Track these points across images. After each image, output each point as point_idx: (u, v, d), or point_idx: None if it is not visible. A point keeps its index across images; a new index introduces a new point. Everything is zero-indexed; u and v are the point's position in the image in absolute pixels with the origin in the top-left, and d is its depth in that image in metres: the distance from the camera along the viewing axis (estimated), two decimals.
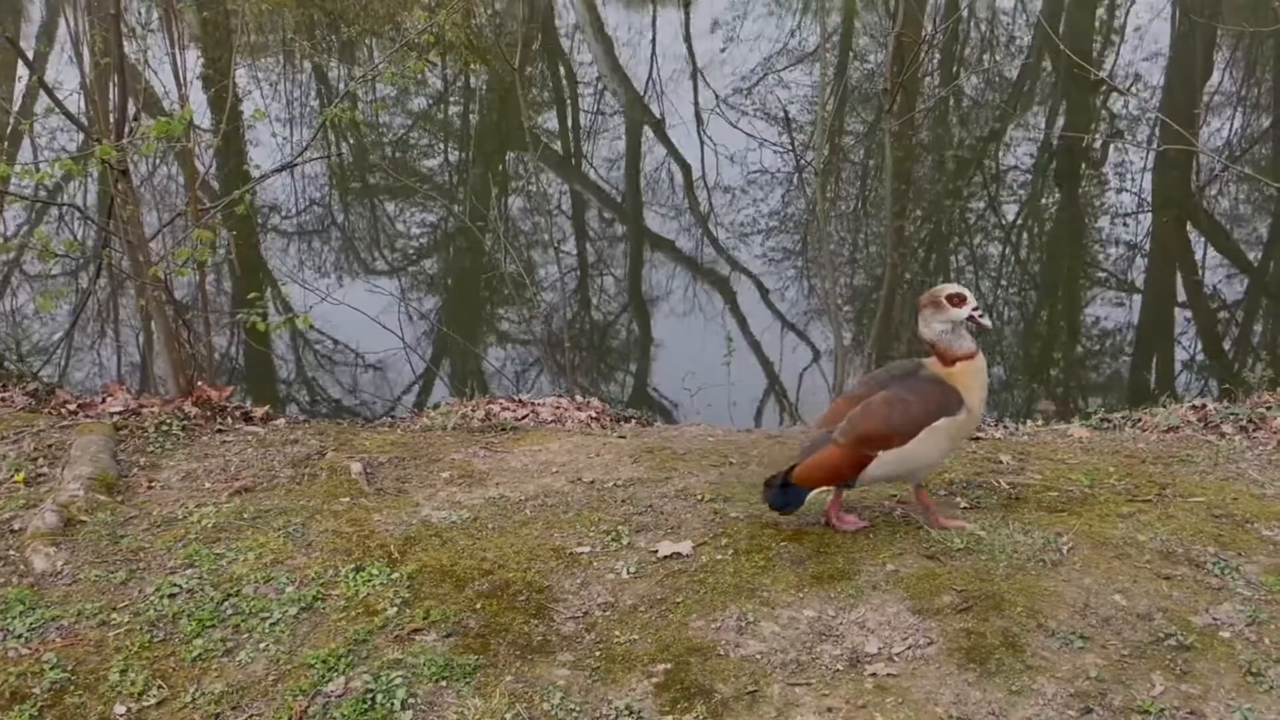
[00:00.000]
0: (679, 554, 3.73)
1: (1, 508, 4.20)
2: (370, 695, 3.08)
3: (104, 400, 5.56)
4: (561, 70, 15.94)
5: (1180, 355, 9.11)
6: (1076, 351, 9.30)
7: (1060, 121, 13.95)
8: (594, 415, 5.77)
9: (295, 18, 14.91)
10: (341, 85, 14.07)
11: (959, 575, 3.51)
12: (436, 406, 5.91)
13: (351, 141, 13.25)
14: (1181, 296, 9.91)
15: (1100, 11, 17.27)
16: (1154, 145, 12.33)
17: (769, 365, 8.93)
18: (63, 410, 5.46)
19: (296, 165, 9.45)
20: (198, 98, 11.28)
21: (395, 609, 3.45)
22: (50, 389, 6.23)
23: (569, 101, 15.04)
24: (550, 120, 14.28)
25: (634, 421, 6.00)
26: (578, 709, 3.03)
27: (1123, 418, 5.51)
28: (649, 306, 10.09)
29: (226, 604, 3.51)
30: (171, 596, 3.56)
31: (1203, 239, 10.90)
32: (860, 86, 14.52)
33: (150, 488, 4.41)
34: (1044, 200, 12.15)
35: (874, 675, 3.10)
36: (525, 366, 9.11)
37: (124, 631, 3.40)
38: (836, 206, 11.72)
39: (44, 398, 5.83)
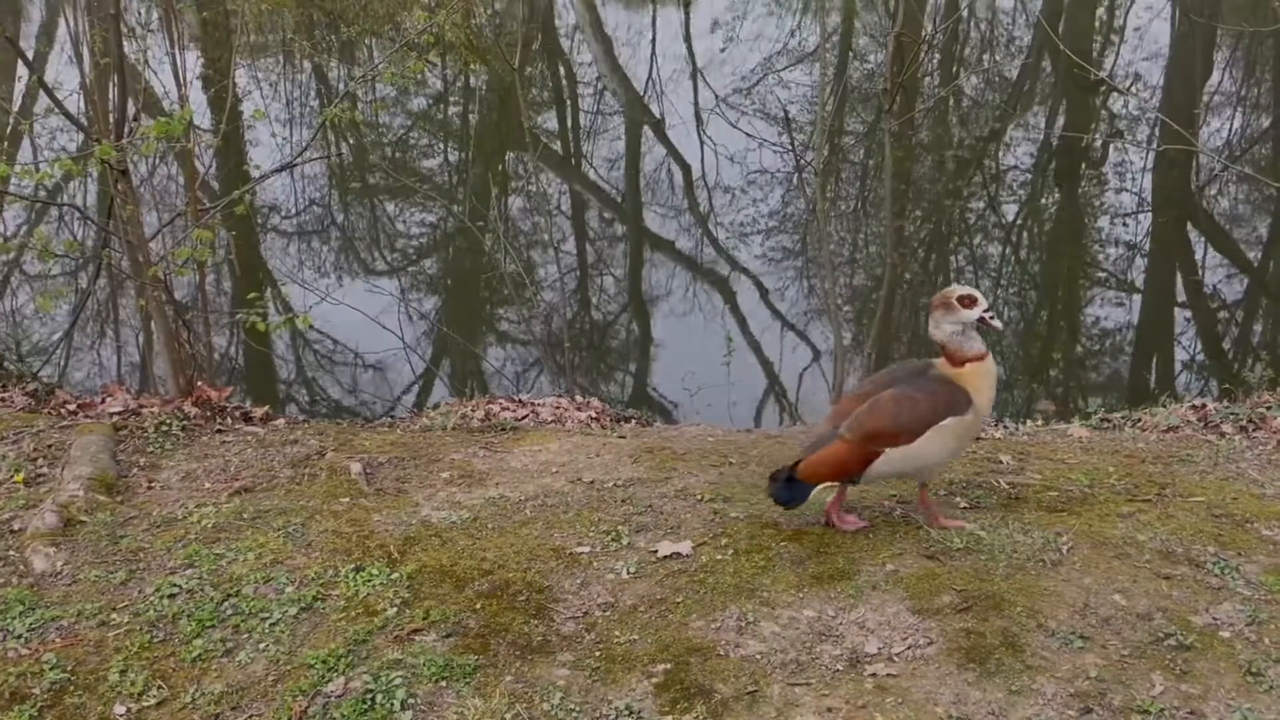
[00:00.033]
0: (679, 554, 3.73)
1: (1, 508, 4.20)
2: (370, 695, 3.08)
3: (104, 400, 5.56)
4: (561, 70, 15.94)
5: (1180, 355, 9.11)
6: (1076, 351, 9.30)
7: (1060, 121, 13.95)
8: (594, 415, 5.77)
9: (295, 18, 14.90)
10: (341, 85, 14.07)
11: (959, 575, 3.51)
12: (436, 406, 5.91)
13: (351, 142, 13.25)
14: (1181, 296, 9.91)
15: (1100, 11, 17.27)
16: (1154, 145, 12.33)
17: (769, 365, 8.93)
18: (62, 410, 5.45)
19: (296, 165, 9.45)
20: (197, 98, 11.28)
21: (395, 609, 3.45)
22: (50, 389, 6.23)
23: (569, 101, 15.04)
24: (550, 120, 14.28)
25: (634, 421, 6.00)
26: (578, 709, 3.03)
27: (1122, 417, 5.51)
28: (649, 306, 10.09)
29: (226, 604, 3.51)
30: (171, 597, 3.56)
31: (1203, 239, 10.90)
32: (860, 86, 14.52)
33: (150, 488, 4.41)
34: (1044, 200, 12.15)
35: (874, 675, 3.10)
36: (525, 366, 9.11)
37: (124, 632, 3.40)
38: (836, 206, 11.72)
39: (44, 398, 5.83)
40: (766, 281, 10.17)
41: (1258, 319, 9.74)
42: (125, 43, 6.10)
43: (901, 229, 10.79)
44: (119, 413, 5.19)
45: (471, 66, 14.82)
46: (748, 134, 12.80)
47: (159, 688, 3.17)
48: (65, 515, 4.04)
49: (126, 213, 5.56)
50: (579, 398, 6.46)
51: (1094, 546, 3.68)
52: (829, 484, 3.76)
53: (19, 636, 3.38)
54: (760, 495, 4.13)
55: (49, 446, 4.72)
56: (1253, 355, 8.95)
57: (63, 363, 8.71)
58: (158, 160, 10.06)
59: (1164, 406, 5.50)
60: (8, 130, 9.67)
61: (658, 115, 14.09)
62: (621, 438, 5.04)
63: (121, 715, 3.08)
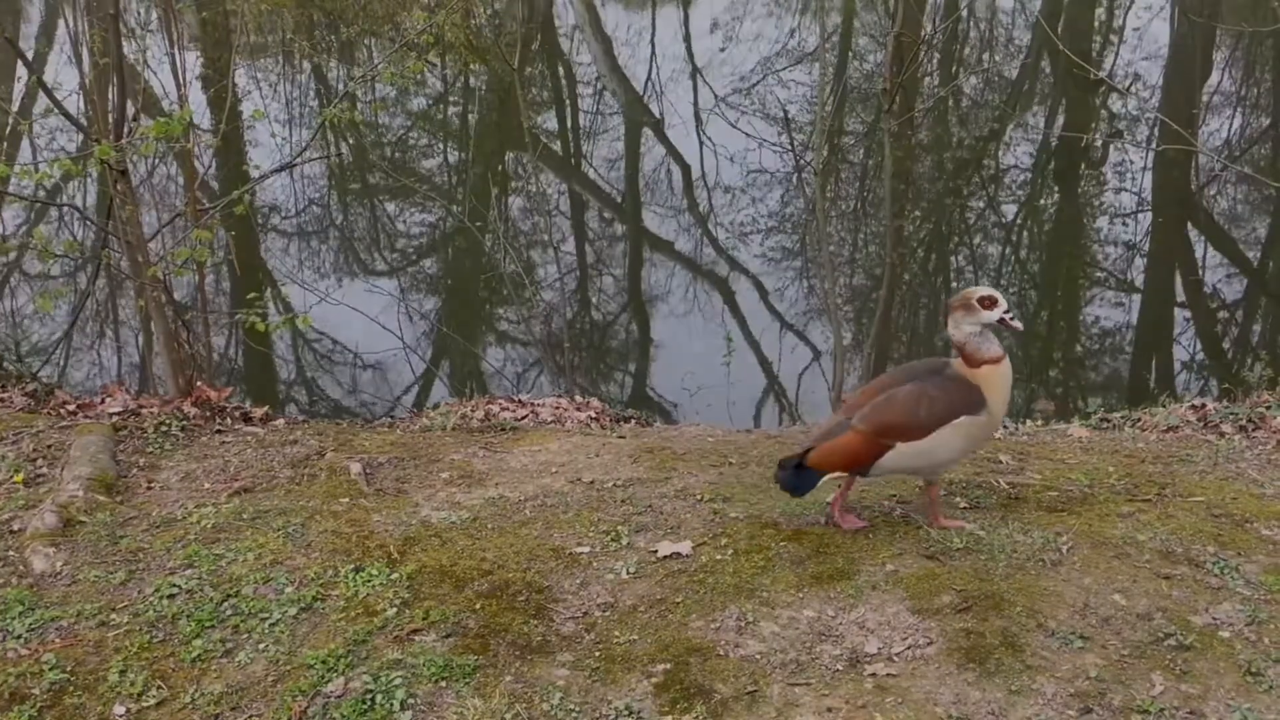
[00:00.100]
0: (679, 554, 3.73)
1: (1, 508, 4.20)
2: (370, 696, 3.08)
3: (103, 401, 5.55)
4: (561, 70, 15.94)
5: (1180, 355, 9.12)
6: (1076, 351, 9.30)
7: (1060, 121, 13.95)
8: (593, 415, 5.77)
9: (294, 18, 14.90)
10: (341, 85, 14.07)
11: (959, 575, 3.51)
12: (436, 407, 5.91)
13: (351, 142, 13.25)
14: (1181, 296, 9.91)
15: (1099, 11, 17.28)
16: (1153, 145, 12.33)
17: (768, 365, 8.93)
18: (62, 411, 5.45)
19: (296, 165, 9.45)
20: (197, 98, 11.28)
21: (395, 609, 3.44)
22: (49, 389, 6.22)
23: (568, 101, 15.04)
24: (550, 120, 14.28)
25: (634, 422, 6.00)
26: (577, 709, 3.03)
27: (1122, 417, 5.51)
28: (648, 306, 10.09)
29: (226, 604, 3.51)
30: (171, 597, 3.56)
31: (1202, 239, 10.91)
32: (860, 86, 14.52)
33: (149, 488, 4.40)
34: (1043, 200, 12.16)
35: (874, 675, 3.10)
36: (525, 367, 9.11)
37: (123, 632, 3.40)
38: (836, 206, 11.72)
39: (43, 398, 5.83)
40: (766, 281, 10.17)
41: (1257, 319, 9.74)
42: (124, 43, 6.10)
43: (901, 229, 10.79)
44: (118, 413, 5.18)
45: (471, 66, 14.82)
46: (747, 134, 12.81)
47: (158, 688, 3.16)
48: (65, 515, 4.04)
49: (126, 213, 5.56)
50: (579, 398, 6.46)
51: (1094, 546, 3.68)
52: (837, 474, 3.76)
53: (18, 637, 3.38)
54: (760, 495, 4.13)
55: (48, 447, 4.72)
56: (1252, 355, 8.95)
57: (62, 363, 8.71)
58: (157, 160, 10.06)
59: (1164, 406, 5.50)
60: (7, 130, 9.68)
61: (657, 115, 14.09)
62: (621, 438, 5.04)
63: (121, 715, 3.08)
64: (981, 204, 12.01)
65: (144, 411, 5.20)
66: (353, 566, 3.68)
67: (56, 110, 6.20)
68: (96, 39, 7.69)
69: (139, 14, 13.10)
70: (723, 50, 16.25)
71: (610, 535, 3.88)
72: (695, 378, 8.18)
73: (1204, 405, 5.37)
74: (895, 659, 3.17)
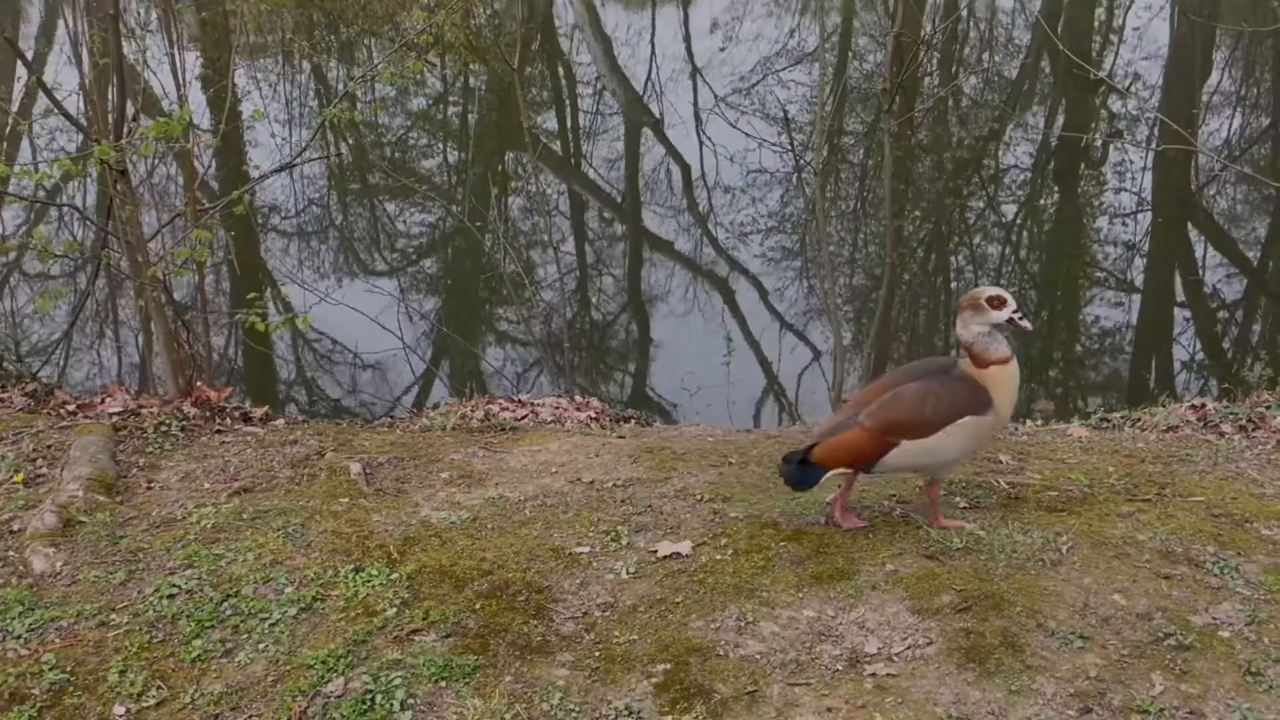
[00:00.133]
0: (678, 554, 3.73)
1: (1, 508, 4.20)
2: (369, 696, 3.08)
3: (103, 401, 5.55)
4: (561, 70, 15.94)
5: (1180, 355, 9.12)
6: (1076, 351, 9.30)
7: (1060, 121, 13.95)
8: (593, 415, 5.77)
9: (294, 18, 14.90)
10: (340, 85, 14.07)
11: (958, 575, 3.51)
12: (436, 407, 5.91)
13: (351, 142, 13.25)
14: (1181, 296, 9.91)
15: (1099, 11, 17.28)
16: (1153, 145, 12.33)
17: (768, 365, 8.93)
18: (62, 411, 5.45)
19: (295, 165, 9.45)
20: (197, 98, 11.28)
21: (394, 609, 3.44)
22: (49, 389, 6.22)
23: (568, 101, 15.04)
24: (549, 120, 14.28)
25: (633, 422, 6.00)
26: (577, 709, 3.03)
27: (1122, 417, 5.51)
28: (648, 306, 10.09)
29: (226, 605, 3.51)
30: (171, 597, 3.56)
31: (1202, 239, 10.91)
32: (859, 86, 14.52)
33: (149, 488, 4.40)
34: (1043, 200, 12.16)
35: (873, 675, 3.10)
36: (525, 367, 9.11)
37: (123, 632, 3.40)
38: (836, 206, 11.72)
39: (43, 398, 5.82)
40: (766, 281, 10.17)
41: (1257, 319, 9.75)
42: (124, 43, 6.10)
43: (901, 229, 10.79)
44: (118, 413, 5.18)
45: (471, 66, 14.82)
46: (747, 134, 12.81)
47: (158, 688, 3.16)
48: (65, 516, 4.04)
49: (126, 213, 5.56)
50: (578, 398, 6.46)
51: (1094, 546, 3.68)
52: (841, 470, 3.76)
53: (18, 637, 3.38)
54: (760, 495, 4.14)
55: (48, 447, 4.72)
56: (1252, 355, 8.95)
57: (62, 363, 8.71)
58: (157, 160, 10.06)
59: (1163, 406, 5.50)
60: (7, 130, 9.68)
61: (657, 115, 14.09)
62: (621, 438, 5.04)
63: (121, 716, 3.08)
64: (981, 204, 12.01)
65: (144, 411, 5.20)
66: (352, 566, 3.68)
67: (56, 110, 6.20)
68: (96, 39, 7.69)
69: (139, 14, 13.09)
70: (722, 50, 16.25)
71: (610, 535, 3.88)
72: (695, 378, 8.18)
73: (1204, 405, 5.37)
74: (895, 659, 3.17)
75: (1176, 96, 13.55)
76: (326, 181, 12.23)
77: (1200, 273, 10.20)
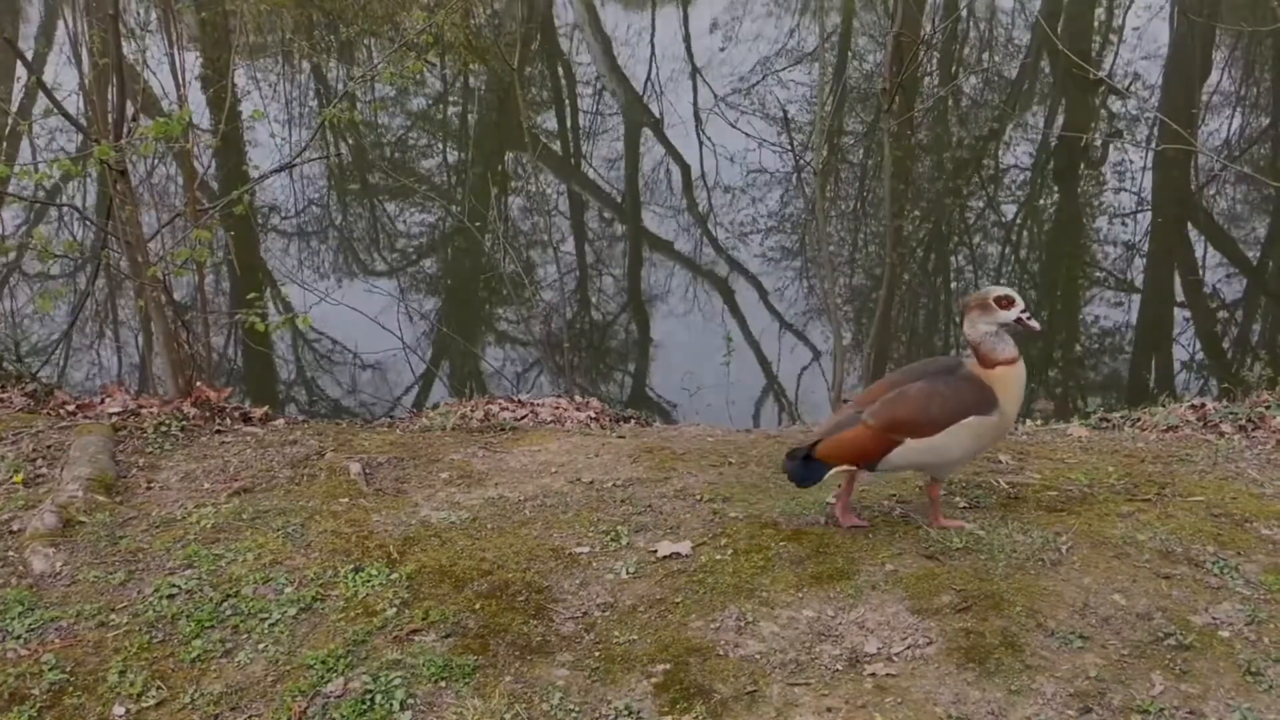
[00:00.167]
0: (678, 554, 3.73)
1: (1, 508, 4.20)
2: (369, 696, 3.08)
3: (103, 401, 5.55)
4: (561, 70, 15.94)
5: (1179, 355, 9.12)
6: (1076, 351, 9.30)
7: (1059, 121, 13.95)
8: (593, 415, 5.77)
9: (294, 18, 14.91)
10: (340, 85, 14.07)
11: (958, 575, 3.51)
12: (435, 407, 5.91)
13: (350, 142, 13.25)
14: (1181, 296, 9.92)
15: (1099, 11, 17.28)
16: (1153, 145, 12.33)
17: (768, 365, 8.93)
18: (61, 411, 5.45)
19: (295, 165, 9.45)
20: (196, 98, 11.28)
21: (394, 609, 3.44)
22: (49, 390, 6.22)
23: (568, 101, 15.04)
24: (549, 120, 14.28)
25: (633, 422, 6.00)
26: (577, 709, 3.03)
27: (1122, 417, 5.51)
28: (648, 306, 10.09)
29: (225, 605, 3.51)
30: (170, 597, 3.56)
31: (1202, 239, 10.91)
32: (859, 86, 14.52)
33: (149, 488, 4.40)
34: (1043, 200, 12.16)
35: (873, 675, 3.10)
36: (524, 367, 9.11)
37: (123, 632, 3.40)
38: (836, 206, 11.72)
39: (43, 398, 5.82)
40: (766, 281, 10.17)
41: (1257, 319, 9.75)
42: (124, 43, 6.10)
43: (901, 229, 10.79)
44: (118, 413, 5.18)
45: (471, 66, 14.82)
46: (747, 134, 12.81)
47: (158, 688, 3.16)
48: (64, 516, 4.04)
49: (125, 213, 5.56)
50: (578, 398, 6.46)
51: (1093, 546, 3.68)
52: (844, 467, 3.76)
53: (18, 637, 3.38)
54: (760, 495, 4.14)
55: (48, 447, 4.72)
56: (1252, 355, 8.95)
57: (62, 363, 8.71)
58: (157, 160, 10.06)
59: (1163, 406, 5.50)
60: (7, 130, 9.68)
61: (657, 115, 14.09)
62: (621, 438, 5.04)
63: (120, 716, 3.08)
64: (981, 204, 12.01)
65: (144, 412, 5.20)
66: (352, 566, 3.68)
67: (56, 110, 6.20)
68: (96, 39, 7.68)
69: (139, 14, 13.09)
70: (722, 50, 16.25)
71: (610, 535, 3.88)
72: (695, 378, 8.18)
73: (1204, 405, 5.37)
74: (895, 659, 3.17)
75: (1176, 96, 13.55)
76: (326, 181, 12.23)
77: (1200, 272, 10.20)
